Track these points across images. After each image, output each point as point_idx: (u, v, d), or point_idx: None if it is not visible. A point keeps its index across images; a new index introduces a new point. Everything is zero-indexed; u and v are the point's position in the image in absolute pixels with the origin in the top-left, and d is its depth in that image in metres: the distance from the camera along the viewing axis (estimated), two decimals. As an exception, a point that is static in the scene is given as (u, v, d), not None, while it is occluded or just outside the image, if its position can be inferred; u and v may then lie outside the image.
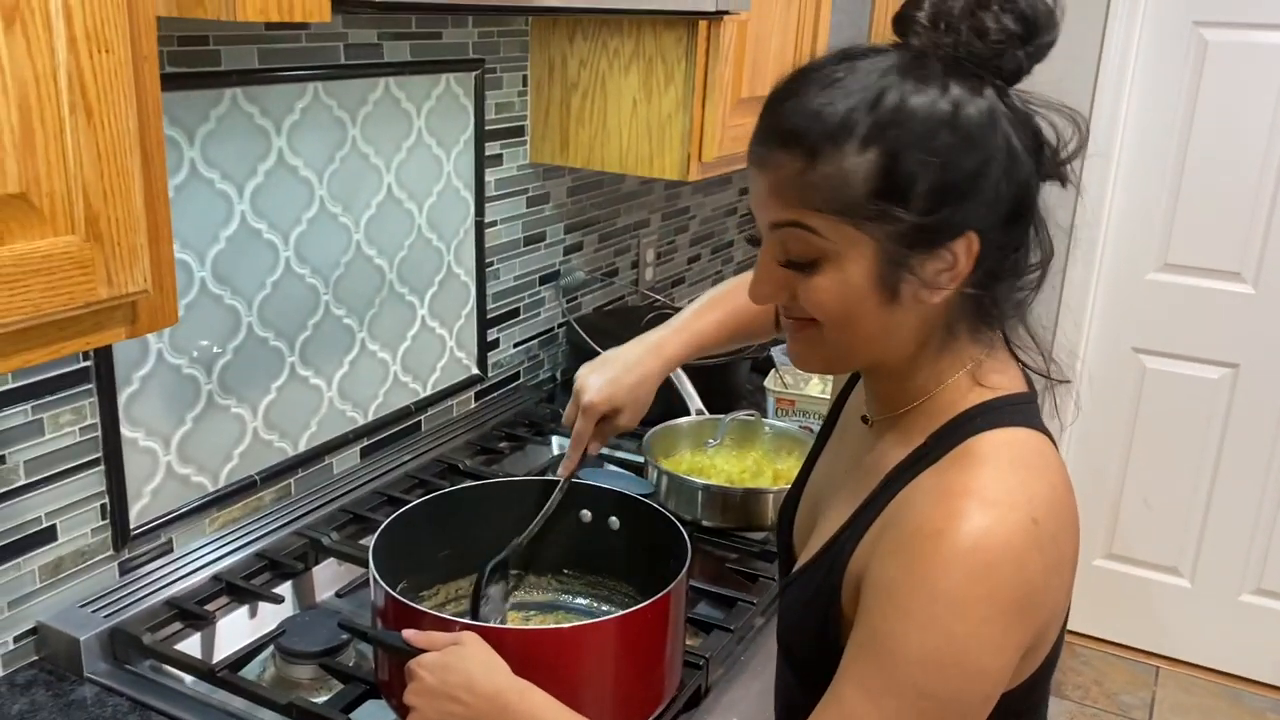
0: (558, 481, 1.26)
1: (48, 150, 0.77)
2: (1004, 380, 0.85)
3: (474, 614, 1.19)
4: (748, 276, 0.88)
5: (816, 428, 1.17)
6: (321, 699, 1.15)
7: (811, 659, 0.87)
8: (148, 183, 0.86)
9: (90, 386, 1.22)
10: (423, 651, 0.92)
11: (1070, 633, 3.11)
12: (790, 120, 0.79)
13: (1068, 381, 0.89)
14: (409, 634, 0.94)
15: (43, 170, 0.77)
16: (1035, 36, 0.78)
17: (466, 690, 0.88)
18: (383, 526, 1.13)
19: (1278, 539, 2.86)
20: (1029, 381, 0.88)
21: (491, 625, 0.95)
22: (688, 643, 1.17)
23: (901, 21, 0.81)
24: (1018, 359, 0.88)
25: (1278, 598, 2.90)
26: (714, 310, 1.32)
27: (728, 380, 1.96)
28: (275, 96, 1.38)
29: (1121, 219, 2.85)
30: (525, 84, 1.85)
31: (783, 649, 0.96)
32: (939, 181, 0.76)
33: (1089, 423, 2.98)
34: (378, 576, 1.03)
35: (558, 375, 2.09)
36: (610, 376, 1.22)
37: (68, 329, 0.84)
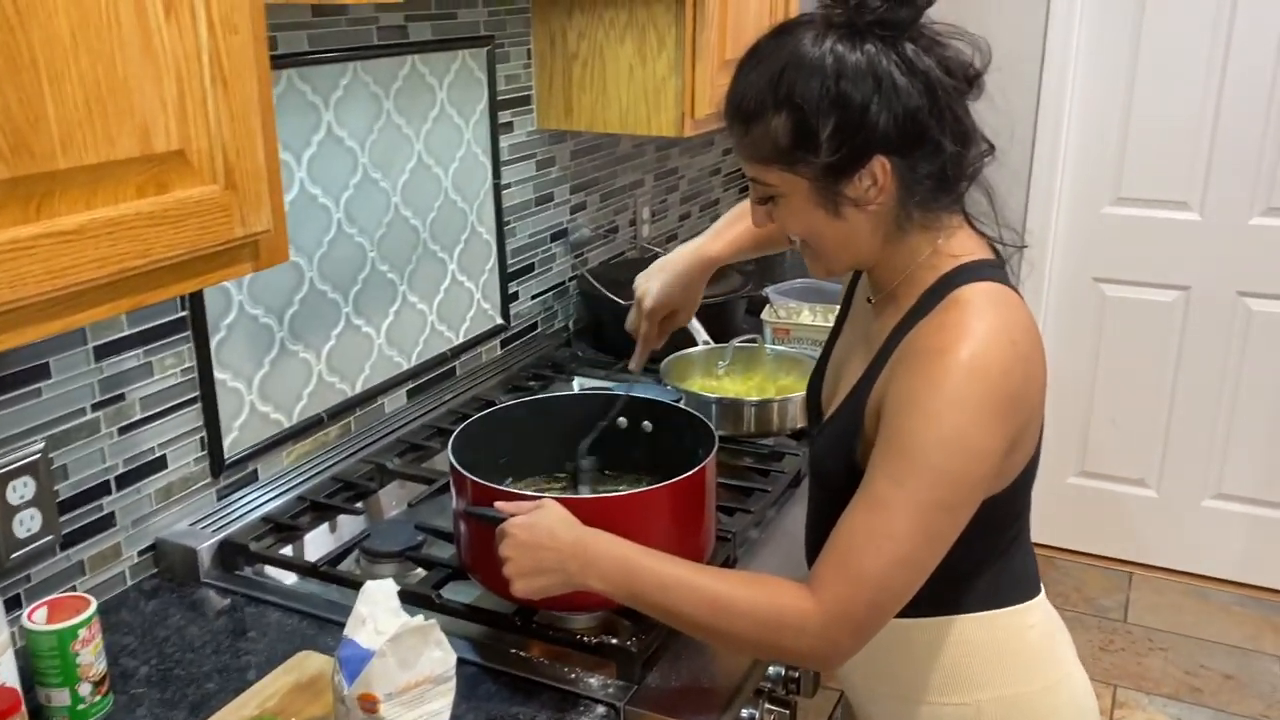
0: (616, 396, 1.45)
1: (196, 115, 0.96)
2: (972, 248, 1.08)
3: (574, 483, 1.43)
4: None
5: (813, 351, 1.37)
6: (408, 586, 1.34)
7: (840, 480, 1.08)
8: (266, 141, 1.05)
9: (187, 333, 1.41)
10: (512, 517, 1.12)
11: (1048, 546, 3.35)
12: (731, 99, 1.06)
13: (1026, 246, 1.11)
14: (499, 504, 1.14)
15: (193, 131, 0.96)
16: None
17: (551, 538, 1.08)
18: (455, 434, 1.33)
19: (1234, 446, 3.10)
20: (996, 253, 1.10)
21: (563, 496, 1.14)
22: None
23: None
24: (983, 235, 1.11)
25: (1237, 501, 3.15)
26: (743, 220, 1.53)
27: (726, 318, 2.17)
28: (323, 76, 1.56)
29: (1077, 158, 3.06)
30: (529, 57, 2.03)
31: (817, 480, 1.19)
32: (835, 126, 0.99)
33: (1056, 351, 3.21)
34: (461, 469, 1.22)
35: (570, 325, 2.29)
36: (665, 281, 1.47)
37: (212, 263, 1.03)
